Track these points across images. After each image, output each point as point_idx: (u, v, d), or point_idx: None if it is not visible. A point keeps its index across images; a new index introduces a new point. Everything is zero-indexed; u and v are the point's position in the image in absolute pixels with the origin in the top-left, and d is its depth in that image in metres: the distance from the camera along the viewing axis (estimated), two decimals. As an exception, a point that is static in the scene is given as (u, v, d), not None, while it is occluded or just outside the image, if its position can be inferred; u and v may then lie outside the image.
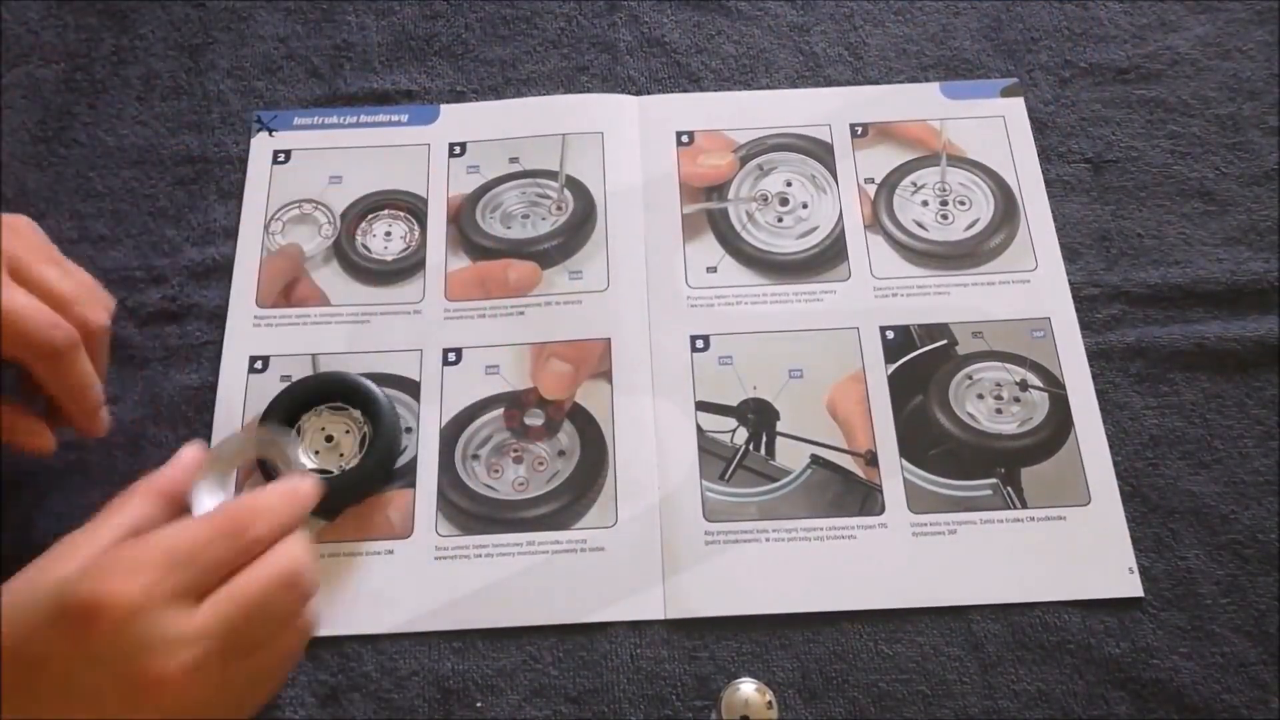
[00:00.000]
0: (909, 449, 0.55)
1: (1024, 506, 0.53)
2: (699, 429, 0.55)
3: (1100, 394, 0.56)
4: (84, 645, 0.38)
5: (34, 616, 0.38)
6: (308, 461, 0.54)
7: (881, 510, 0.53)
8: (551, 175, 0.62)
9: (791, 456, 0.55)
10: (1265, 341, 0.56)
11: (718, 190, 0.62)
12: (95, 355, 0.50)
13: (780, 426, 0.55)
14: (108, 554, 0.40)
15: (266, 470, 0.53)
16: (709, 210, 0.62)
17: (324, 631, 0.50)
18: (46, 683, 0.38)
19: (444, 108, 0.65)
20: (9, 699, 0.38)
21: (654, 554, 0.52)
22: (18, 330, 0.46)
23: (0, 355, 0.47)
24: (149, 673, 0.38)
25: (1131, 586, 0.51)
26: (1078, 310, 0.58)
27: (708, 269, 0.60)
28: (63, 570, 0.40)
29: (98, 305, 0.51)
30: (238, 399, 0.56)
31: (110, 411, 0.52)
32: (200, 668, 0.39)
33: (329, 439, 0.54)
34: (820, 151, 0.63)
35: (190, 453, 0.47)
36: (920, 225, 0.61)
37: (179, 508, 0.45)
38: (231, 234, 0.61)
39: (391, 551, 0.52)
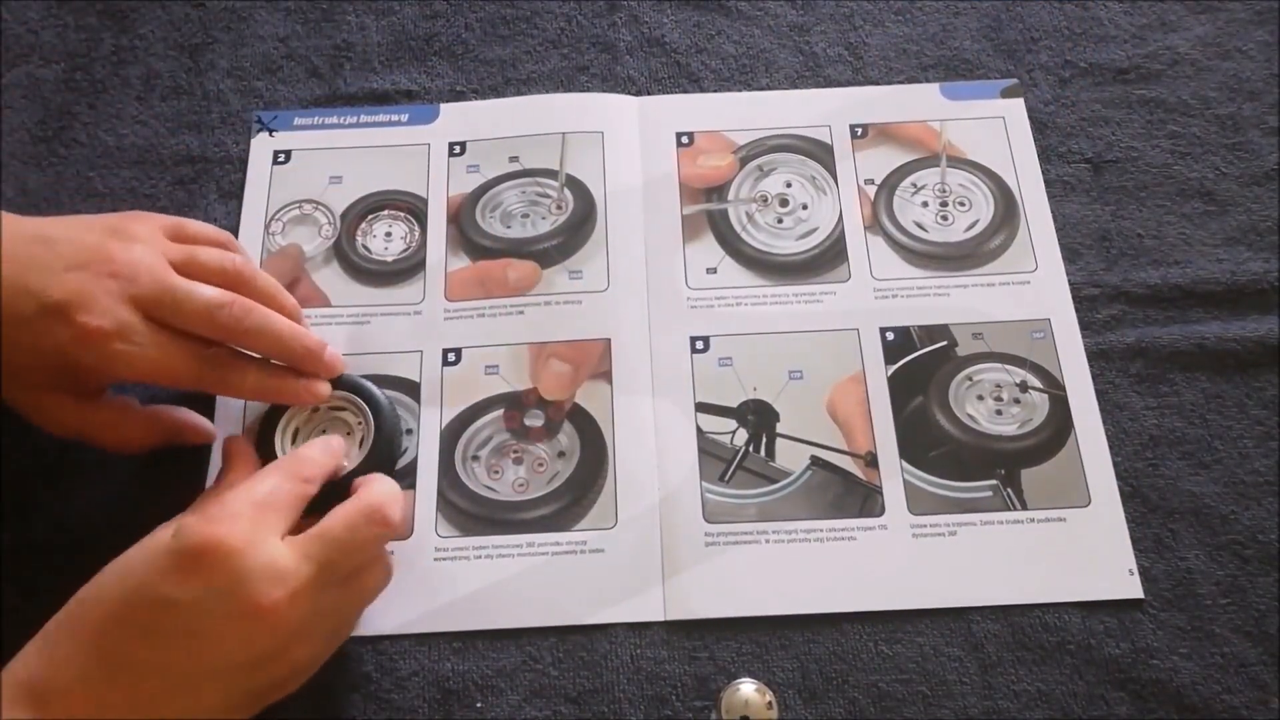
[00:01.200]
0: (909, 450, 0.55)
1: (1024, 508, 0.53)
2: (699, 430, 0.55)
3: (1100, 394, 0.56)
4: (204, 581, 0.42)
5: (157, 562, 0.42)
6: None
7: (881, 511, 0.53)
8: (551, 175, 0.62)
9: (791, 458, 0.55)
10: (1265, 341, 0.56)
11: (718, 191, 0.62)
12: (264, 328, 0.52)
13: (780, 428, 0.55)
14: (208, 505, 0.45)
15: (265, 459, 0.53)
16: (709, 211, 0.62)
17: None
18: (176, 621, 0.42)
19: (444, 107, 0.65)
20: (145, 642, 0.42)
21: (654, 555, 0.52)
22: (202, 316, 0.49)
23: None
24: (261, 602, 0.42)
25: (1131, 588, 0.51)
26: (1078, 311, 0.58)
27: (708, 270, 0.60)
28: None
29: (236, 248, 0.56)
30: (238, 399, 0.56)
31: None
32: (300, 594, 0.43)
33: (329, 440, 0.54)
34: (820, 152, 0.63)
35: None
36: (920, 226, 0.61)
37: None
38: (231, 234, 0.61)
39: (391, 552, 0.52)
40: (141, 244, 0.50)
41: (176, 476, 0.54)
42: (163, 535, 0.43)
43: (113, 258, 0.48)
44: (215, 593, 0.42)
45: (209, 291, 0.50)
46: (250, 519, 0.44)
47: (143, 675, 0.41)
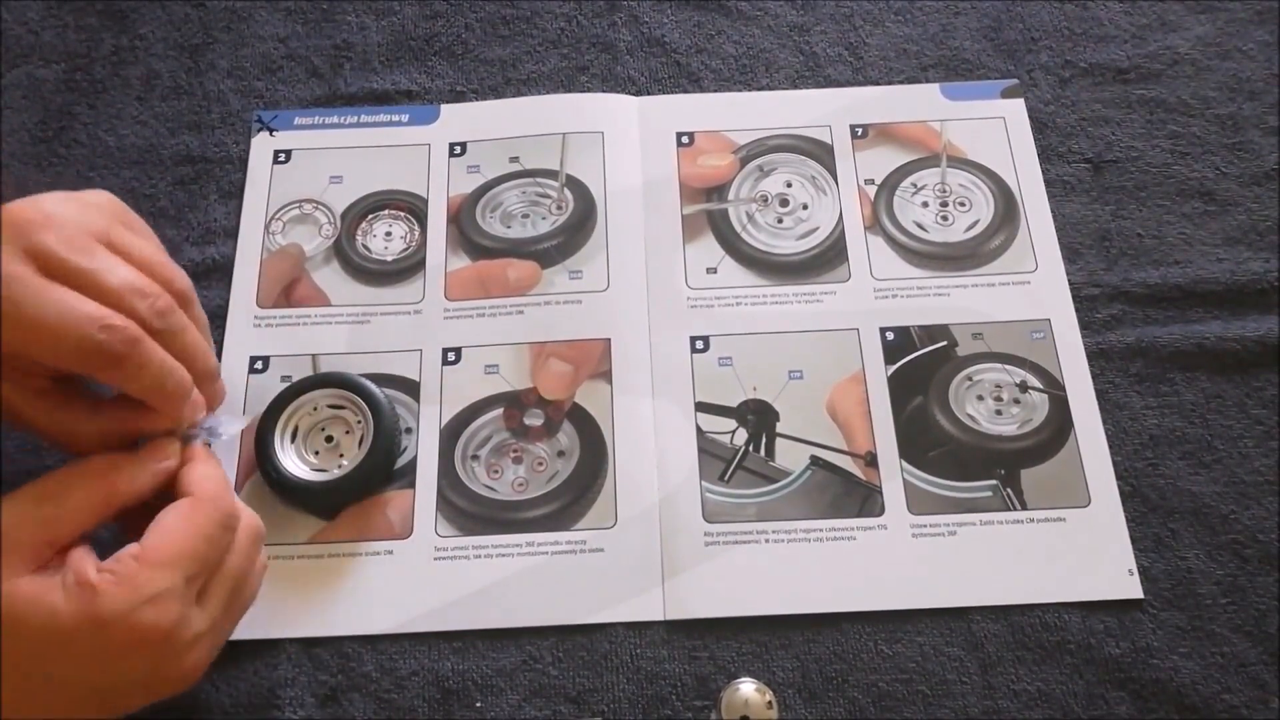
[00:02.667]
0: (909, 450, 0.55)
1: (1024, 508, 0.53)
2: (699, 430, 0.55)
3: (1100, 394, 0.56)
4: (123, 667, 0.41)
5: (66, 635, 0.40)
6: (308, 462, 0.54)
7: (881, 511, 0.53)
8: (552, 175, 0.62)
9: (791, 457, 0.55)
10: (1265, 341, 0.56)
11: (718, 191, 0.62)
12: (180, 334, 0.46)
13: (780, 427, 0.55)
14: (130, 574, 0.41)
15: (265, 458, 0.53)
16: (709, 211, 0.62)
17: (324, 632, 0.51)
18: (76, 691, 0.41)
19: (444, 108, 0.65)
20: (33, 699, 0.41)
21: (653, 555, 0.52)
22: (57, 340, 0.41)
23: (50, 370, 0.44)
24: (180, 670, 0.43)
25: (1131, 588, 0.51)
26: (1078, 310, 0.58)
27: (708, 270, 0.60)
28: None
29: (167, 282, 0.46)
30: (238, 399, 0.56)
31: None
32: (213, 646, 0.44)
33: (329, 439, 0.54)
34: (820, 152, 0.63)
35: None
36: (920, 226, 0.61)
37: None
38: (232, 234, 0.61)
39: (391, 552, 0.52)
40: (79, 204, 0.44)
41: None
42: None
43: (30, 205, 0.42)
44: (132, 676, 0.42)
45: (134, 273, 0.43)
46: (177, 600, 0.42)
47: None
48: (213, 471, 0.46)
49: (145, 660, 0.41)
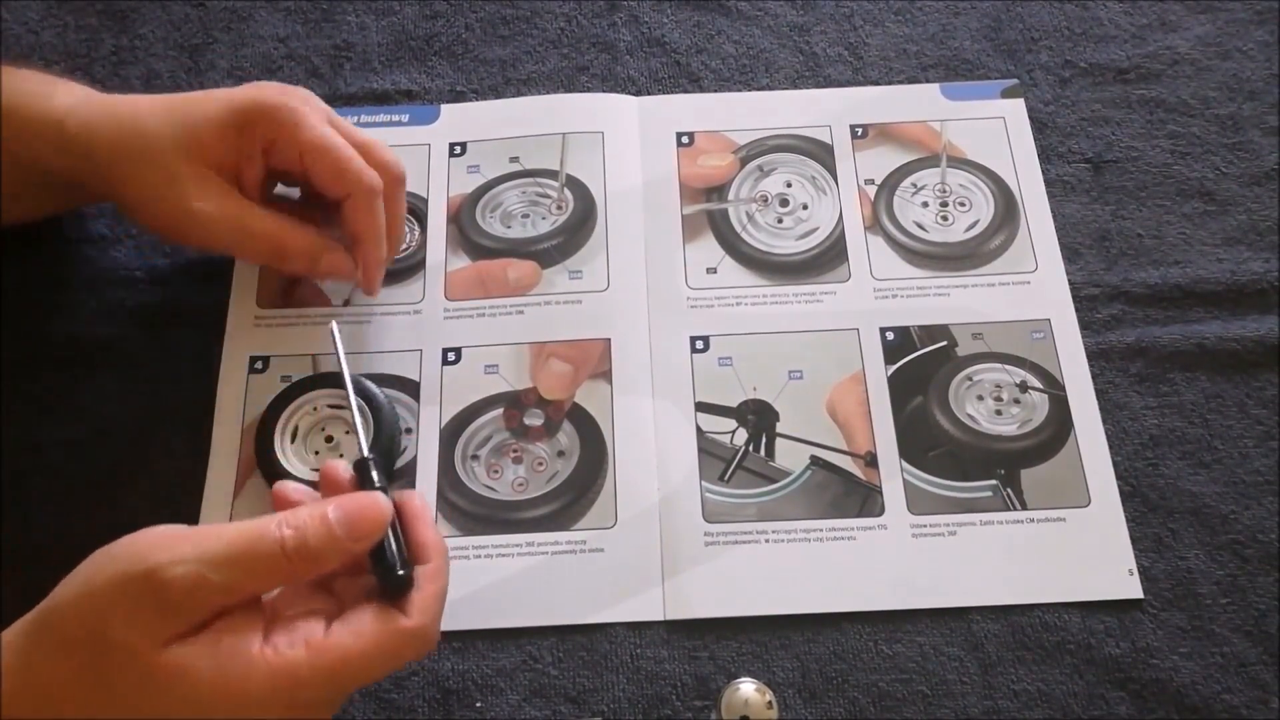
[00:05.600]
0: (909, 450, 0.55)
1: (1024, 508, 0.53)
2: (699, 430, 0.55)
3: (1100, 394, 0.56)
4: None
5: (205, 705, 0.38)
6: (308, 462, 0.54)
7: (881, 511, 0.53)
8: (552, 175, 0.62)
9: (791, 457, 0.55)
10: (1265, 341, 0.56)
11: (718, 191, 0.62)
12: (393, 206, 0.55)
13: (780, 427, 0.55)
14: (293, 670, 0.38)
15: (265, 458, 0.53)
16: (709, 211, 0.62)
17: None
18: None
19: (444, 108, 0.65)
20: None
21: (654, 555, 0.52)
22: (341, 167, 0.52)
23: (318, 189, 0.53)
24: None
25: (1131, 588, 0.51)
26: (1078, 310, 0.58)
27: (708, 270, 0.60)
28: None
29: (392, 162, 0.55)
30: (238, 399, 0.56)
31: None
32: None
33: (329, 439, 0.54)
34: (820, 153, 0.63)
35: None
36: (920, 226, 0.61)
37: None
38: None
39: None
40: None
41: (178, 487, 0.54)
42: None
43: (292, 90, 0.54)
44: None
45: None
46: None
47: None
48: (437, 587, 0.42)
49: None
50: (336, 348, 0.48)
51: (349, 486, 0.44)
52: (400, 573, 0.41)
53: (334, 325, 0.50)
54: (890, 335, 0.58)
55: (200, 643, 0.38)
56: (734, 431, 0.55)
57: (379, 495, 0.42)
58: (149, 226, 0.55)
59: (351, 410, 0.47)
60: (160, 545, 0.38)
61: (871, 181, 0.62)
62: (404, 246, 0.60)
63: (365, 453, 0.45)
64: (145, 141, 0.51)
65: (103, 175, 0.52)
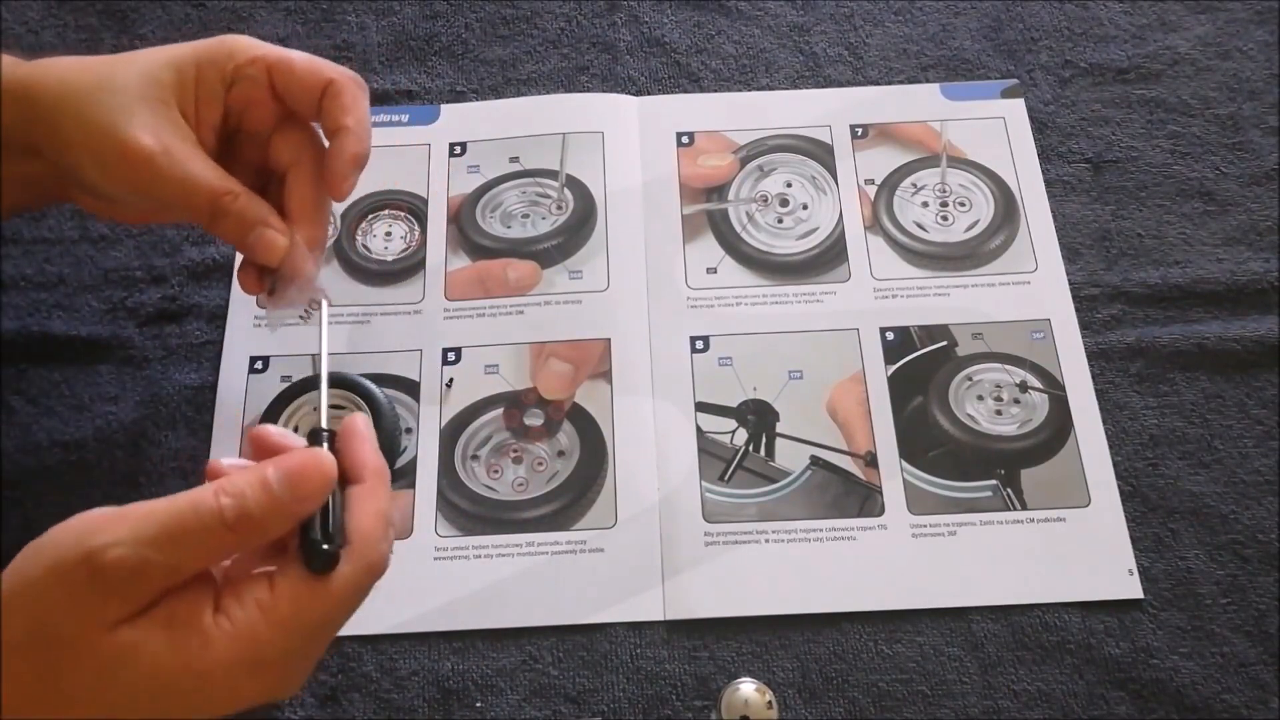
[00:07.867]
0: (909, 450, 0.55)
1: (1024, 508, 0.53)
2: (699, 430, 0.55)
3: (1100, 394, 0.56)
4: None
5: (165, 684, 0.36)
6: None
7: (881, 511, 0.53)
8: (552, 175, 0.62)
9: (791, 457, 0.55)
10: (1265, 341, 0.56)
11: (718, 191, 0.62)
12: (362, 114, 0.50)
13: (780, 427, 0.55)
14: (247, 633, 0.37)
15: None
16: (709, 211, 0.62)
17: (324, 632, 0.51)
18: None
19: (444, 108, 0.65)
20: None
21: (653, 555, 0.52)
22: (316, 63, 0.49)
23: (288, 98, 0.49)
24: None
25: (1131, 588, 0.51)
26: (1078, 310, 0.58)
27: (708, 270, 0.60)
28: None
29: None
30: (238, 399, 0.56)
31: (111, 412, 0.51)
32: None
33: (329, 439, 0.54)
34: (820, 152, 0.63)
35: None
36: (920, 226, 0.61)
37: None
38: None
39: (391, 552, 0.52)
40: None
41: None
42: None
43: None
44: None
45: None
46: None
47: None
48: (375, 506, 0.40)
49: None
50: (321, 325, 0.46)
51: (286, 448, 0.40)
52: (325, 547, 0.37)
53: (324, 304, 0.47)
54: (890, 335, 0.58)
55: (151, 621, 0.36)
56: (734, 431, 0.55)
57: (320, 450, 0.39)
58: (85, 179, 0.47)
59: (321, 390, 0.43)
60: (95, 528, 0.36)
61: (871, 181, 0.62)
62: (403, 248, 0.60)
63: (324, 425, 0.41)
64: (95, 78, 0.46)
65: (45, 121, 0.46)
